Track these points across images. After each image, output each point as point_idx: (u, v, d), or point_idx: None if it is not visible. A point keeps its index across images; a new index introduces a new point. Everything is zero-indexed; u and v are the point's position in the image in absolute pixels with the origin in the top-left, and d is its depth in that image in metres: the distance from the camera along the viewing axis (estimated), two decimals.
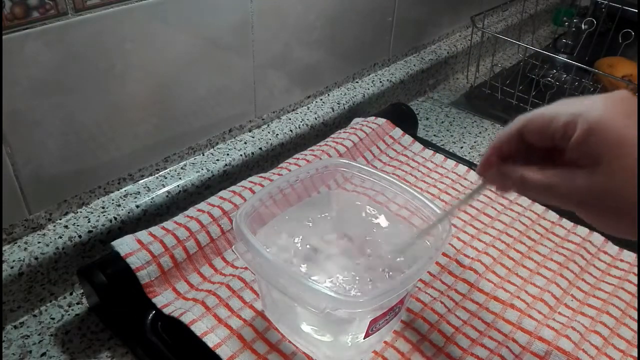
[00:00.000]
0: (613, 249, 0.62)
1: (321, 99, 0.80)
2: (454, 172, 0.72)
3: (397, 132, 0.75)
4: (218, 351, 0.47)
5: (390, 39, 0.87)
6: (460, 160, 0.74)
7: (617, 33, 0.90)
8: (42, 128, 0.51)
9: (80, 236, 0.55)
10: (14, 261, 0.51)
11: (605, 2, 0.98)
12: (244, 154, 0.68)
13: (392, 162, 0.72)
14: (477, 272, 0.57)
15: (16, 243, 0.53)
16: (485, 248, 0.60)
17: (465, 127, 0.87)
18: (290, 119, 0.75)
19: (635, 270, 0.59)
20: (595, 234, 0.63)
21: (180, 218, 0.56)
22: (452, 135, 0.85)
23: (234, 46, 0.64)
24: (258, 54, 0.67)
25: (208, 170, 0.65)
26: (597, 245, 0.62)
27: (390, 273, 0.47)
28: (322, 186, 0.55)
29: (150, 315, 0.51)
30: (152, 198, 0.60)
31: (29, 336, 0.52)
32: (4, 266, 0.50)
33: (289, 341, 0.48)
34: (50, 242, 0.53)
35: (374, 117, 0.75)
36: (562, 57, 0.95)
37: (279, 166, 0.66)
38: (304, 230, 0.50)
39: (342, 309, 0.40)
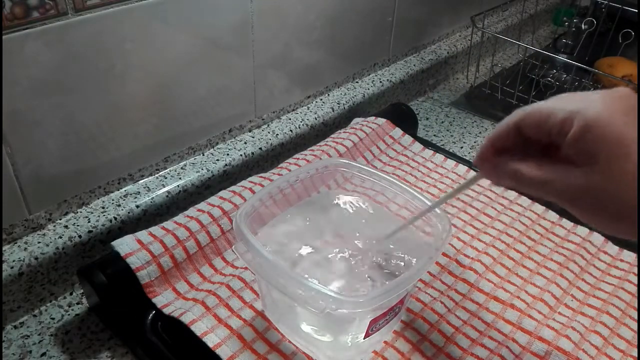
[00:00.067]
0: (613, 249, 0.62)
1: (321, 99, 0.80)
2: (454, 172, 0.72)
3: (397, 132, 0.75)
4: (218, 351, 0.47)
5: (390, 39, 0.87)
6: (460, 160, 0.74)
7: (617, 33, 0.90)
8: (42, 128, 0.51)
9: (80, 236, 0.55)
10: (14, 261, 0.51)
11: (605, 2, 0.97)
12: (244, 154, 0.68)
13: (392, 162, 0.72)
14: (477, 272, 0.57)
15: (16, 243, 0.53)
16: (485, 248, 0.60)
17: (465, 127, 0.87)
18: (290, 119, 0.75)
19: (635, 270, 0.59)
20: (595, 234, 0.63)
21: (180, 218, 0.56)
22: (452, 135, 0.85)
23: (234, 46, 0.64)
24: (258, 54, 0.67)
25: (208, 170, 0.65)
26: (597, 245, 0.62)
27: (385, 262, 0.47)
28: (322, 186, 0.55)
29: (150, 315, 0.51)
30: (152, 198, 0.60)
31: (29, 336, 0.52)
32: (4, 266, 0.50)
33: (289, 341, 0.48)
34: (50, 242, 0.53)
35: (374, 117, 0.75)
36: (562, 57, 0.95)
37: (279, 166, 0.66)
38: (304, 230, 0.50)
39: (342, 309, 0.40)
